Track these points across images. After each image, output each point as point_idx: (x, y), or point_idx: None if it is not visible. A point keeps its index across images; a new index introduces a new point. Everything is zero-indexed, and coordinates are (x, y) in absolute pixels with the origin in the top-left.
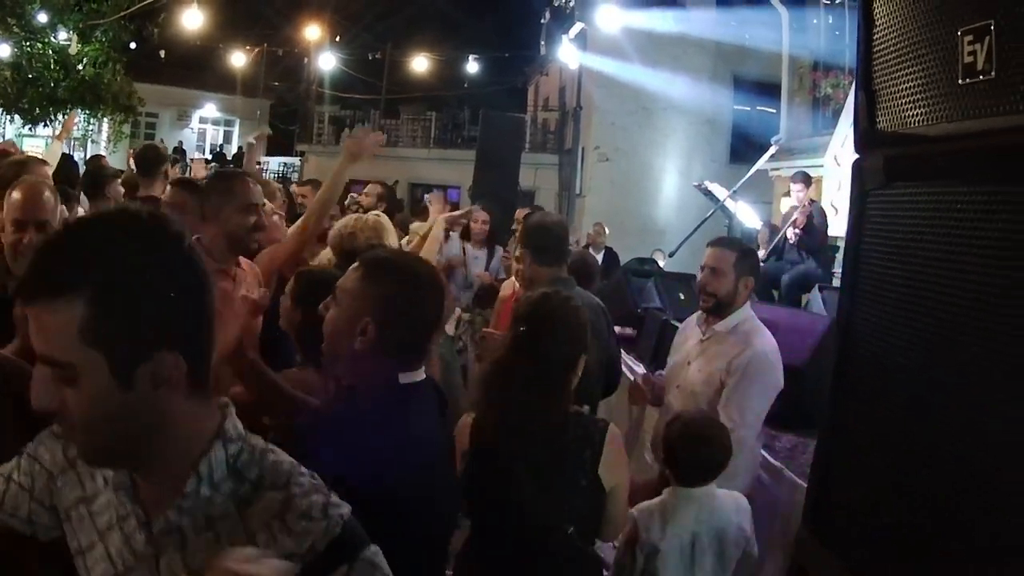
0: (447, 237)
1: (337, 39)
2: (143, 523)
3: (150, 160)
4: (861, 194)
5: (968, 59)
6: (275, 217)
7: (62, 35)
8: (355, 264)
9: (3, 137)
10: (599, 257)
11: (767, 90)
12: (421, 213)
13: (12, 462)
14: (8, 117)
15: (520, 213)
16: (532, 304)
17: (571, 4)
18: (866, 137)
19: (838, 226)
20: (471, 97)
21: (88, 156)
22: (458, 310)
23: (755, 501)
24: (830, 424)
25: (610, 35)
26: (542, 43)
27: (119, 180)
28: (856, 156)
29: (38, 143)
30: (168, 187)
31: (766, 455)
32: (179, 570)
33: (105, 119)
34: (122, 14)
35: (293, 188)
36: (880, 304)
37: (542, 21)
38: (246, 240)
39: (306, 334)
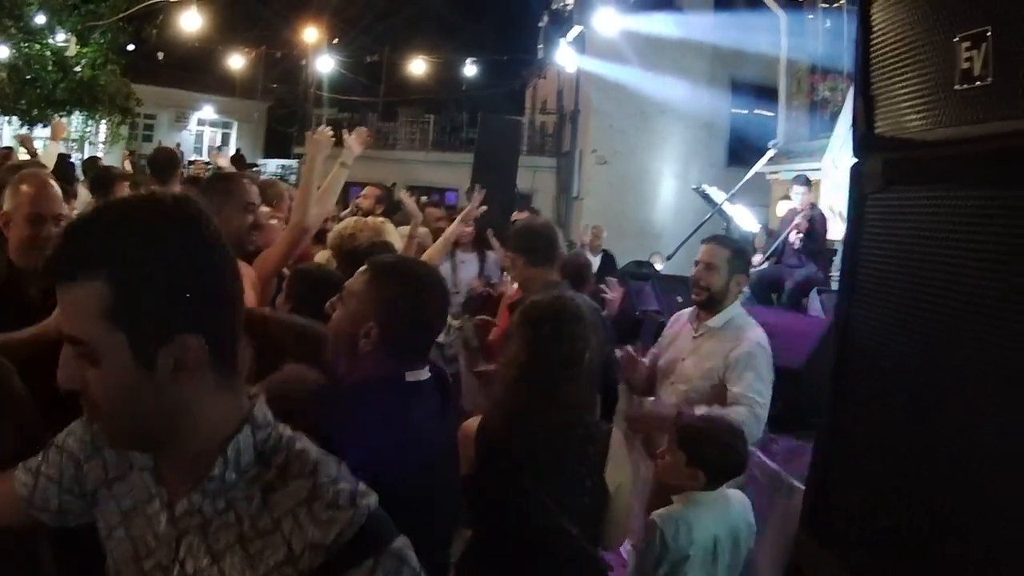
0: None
1: (335, 42)
2: (166, 505)
3: (163, 163)
4: (859, 198)
5: (965, 65)
6: (273, 221)
7: (60, 36)
8: (363, 267)
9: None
10: (596, 260)
11: (765, 93)
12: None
13: (39, 456)
14: (6, 118)
15: (517, 216)
16: (536, 307)
17: (569, 7)
18: (864, 142)
19: (835, 229)
20: (469, 100)
21: (85, 157)
22: (448, 317)
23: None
24: (829, 426)
25: (608, 38)
26: (540, 46)
27: (127, 183)
28: (854, 160)
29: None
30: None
31: (764, 458)
32: (200, 553)
33: (103, 121)
34: (120, 16)
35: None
36: (878, 307)
37: (540, 24)
38: (245, 239)
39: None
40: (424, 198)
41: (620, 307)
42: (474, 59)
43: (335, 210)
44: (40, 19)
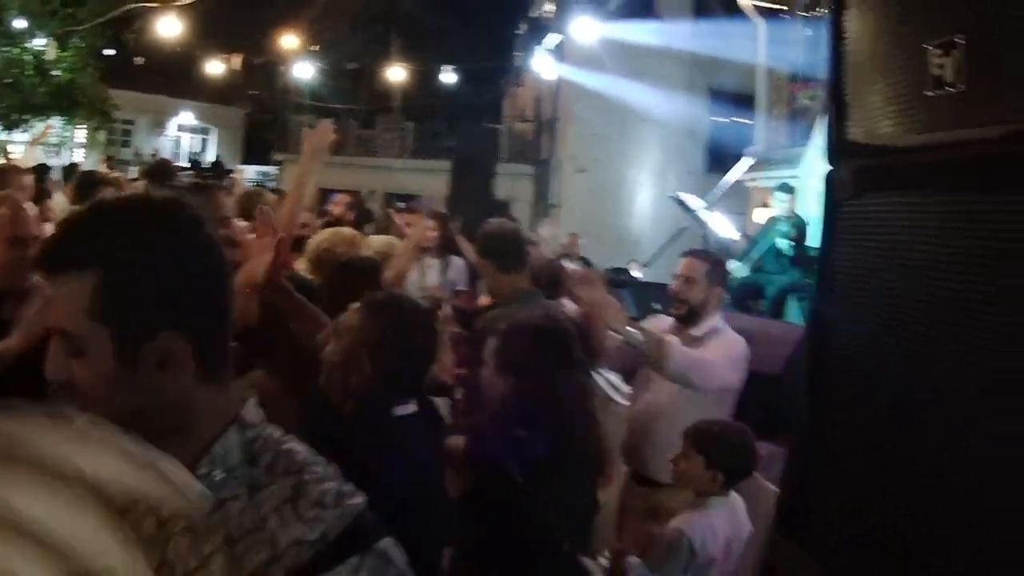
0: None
1: (315, 49)
2: None
3: (160, 172)
4: (833, 205)
5: (937, 72)
6: (251, 236)
7: (40, 41)
8: (356, 304)
9: None
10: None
11: (744, 101)
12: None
13: None
14: None
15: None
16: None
17: (548, 15)
18: (837, 148)
19: (812, 236)
20: (448, 107)
21: (65, 164)
22: None
23: None
24: (808, 430)
25: (587, 46)
26: (518, 54)
27: (111, 188)
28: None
29: (17, 149)
30: None
31: None
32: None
33: (81, 126)
34: (98, 20)
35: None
36: (856, 312)
37: (518, 32)
38: None
39: (265, 339)
40: (401, 204)
41: None
42: (453, 67)
43: (310, 217)
44: (20, 23)
